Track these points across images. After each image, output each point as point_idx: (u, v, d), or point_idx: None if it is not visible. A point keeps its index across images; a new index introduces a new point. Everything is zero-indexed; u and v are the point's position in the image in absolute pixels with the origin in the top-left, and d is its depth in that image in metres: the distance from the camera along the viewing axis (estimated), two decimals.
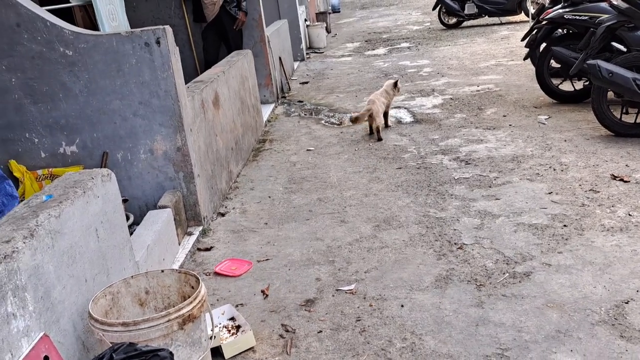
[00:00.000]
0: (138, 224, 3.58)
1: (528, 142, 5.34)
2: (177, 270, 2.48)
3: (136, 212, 3.86)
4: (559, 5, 6.49)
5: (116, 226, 2.71)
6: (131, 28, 4.74)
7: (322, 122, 7.07)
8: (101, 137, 3.85)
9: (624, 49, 5.79)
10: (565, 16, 6.23)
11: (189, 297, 2.24)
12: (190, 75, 5.78)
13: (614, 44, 5.90)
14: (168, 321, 2.14)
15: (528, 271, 3.18)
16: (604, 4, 5.62)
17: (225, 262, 3.60)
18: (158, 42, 3.70)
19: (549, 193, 4.18)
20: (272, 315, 3.01)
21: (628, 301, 2.81)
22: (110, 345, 2.11)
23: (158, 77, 3.75)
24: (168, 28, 3.75)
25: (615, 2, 5.14)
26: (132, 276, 2.48)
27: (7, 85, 3.73)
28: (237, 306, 3.11)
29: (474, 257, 3.40)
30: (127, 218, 3.70)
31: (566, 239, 3.49)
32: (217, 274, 3.50)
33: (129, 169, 3.89)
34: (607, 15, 5.50)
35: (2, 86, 3.73)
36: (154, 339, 2.13)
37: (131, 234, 3.39)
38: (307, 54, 12.61)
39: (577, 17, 6.13)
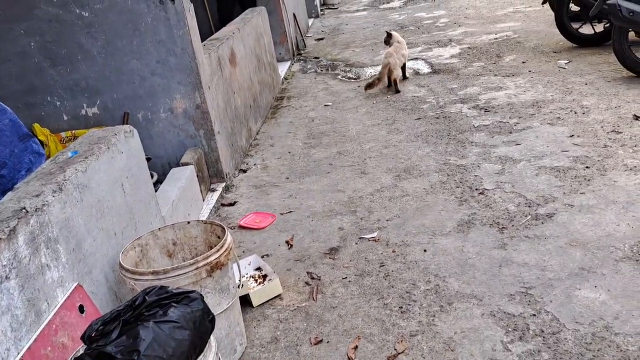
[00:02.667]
0: (162, 182, 3.64)
1: (548, 87, 5.26)
2: (203, 221, 2.53)
3: (159, 170, 3.91)
4: None
5: (141, 181, 2.76)
6: None
7: (339, 77, 7.02)
8: (121, 97, 3.88)
9: None
10: None
11: (216, 246, 2.29)
12: (205, 34, 5.74)
13: None
14: (196, 269, 2.19)
15: (550, 213, 3.18)
16: None
17: (250, 216, 3.66)
18: (172, 0, 3.68)
19: (571, 136, 4.14)
20: (298, 264, 3.07)
21: None
22: None
23: (174, 35, 3.75)
24: None
25: None
26: (159, 228, 2.54)
27: (26, 50, 3.76)
28: (263, 257, 3.18)
29: (496, 201, 3.41)
30: (151, 176, 3.77)
31: (588, 180, 3.47)
32: (241, 227, 3.56)
33: (150, 128, 3.93)
34: None
35: (21, 50, 3.77)
36: (184, 286, 2.19)
37: (156, 191, 3.46)
38: (321, 10, 12.44)
39: None
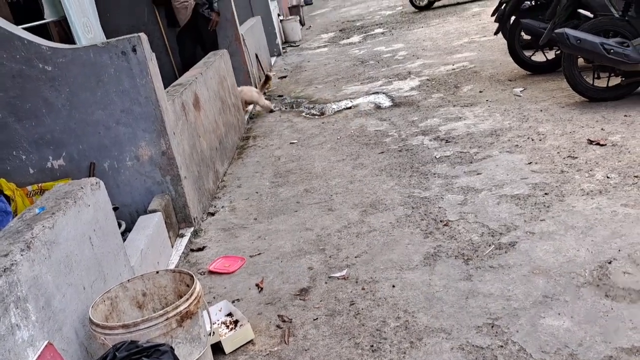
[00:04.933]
0: (130, 230, 3.64)
1: (505, 116, 5.45)
2: (171, 270, 2.55)
3: (127, 219, 3.91)
4: None
5: (109, 233, 2.77)
6: (107, 38, 4.78)
7: (303, 114, 7.13)
8: (87, 148, 3.89)
9: (591, 15, 5.90)
10: None
11: (185, 295, 2.31)
12: (169, 79, 5.82)
13: (580, 10, 6.00)
14: (166, 319, 2.21)
15: (513, 241, 3.28)
16: None
17: (219, 260, 3.67)
18: (134, 50, 3.74)
19: (529, 163, 4.28)
20: (268, 307, 3.09)
21: (611, 261, 2.92)
22: None
23: (137, 84, 3.80)
24: (143, 35, 3.79)
25: None
26: (128, 280, 2.55)
27: None
28: (233, 302, 3.19)
29: (460, 232, 3.50)
30: (119, 225, 3.76)
31: (548, 207, 3.60)
32: (211, 272, 3.57)
33: (116, 177, 3.94)
34: None
35: None
36: (155, 338, 2.20)
37: (124, 240, 3.46)
38: (283, 48, 12.65)
39: None
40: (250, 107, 7.55)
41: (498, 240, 3.32)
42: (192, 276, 2.43)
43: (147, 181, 3.96)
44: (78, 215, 2.51)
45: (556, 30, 5.26)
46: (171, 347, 1.76)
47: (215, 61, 5.84)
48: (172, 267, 3.60)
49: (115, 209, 3.79)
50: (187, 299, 2.28)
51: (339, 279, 3.25)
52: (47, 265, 2.22)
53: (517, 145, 4.66)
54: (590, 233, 3.20)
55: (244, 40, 7.86)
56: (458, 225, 3.59)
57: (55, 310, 2.23)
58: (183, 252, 3.81)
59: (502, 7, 6.86)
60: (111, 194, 3.92)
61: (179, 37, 7.43)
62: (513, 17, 6.73)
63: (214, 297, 3.28)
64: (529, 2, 7.02)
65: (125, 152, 3.89)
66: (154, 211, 3.72)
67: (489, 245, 3.29)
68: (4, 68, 3.68)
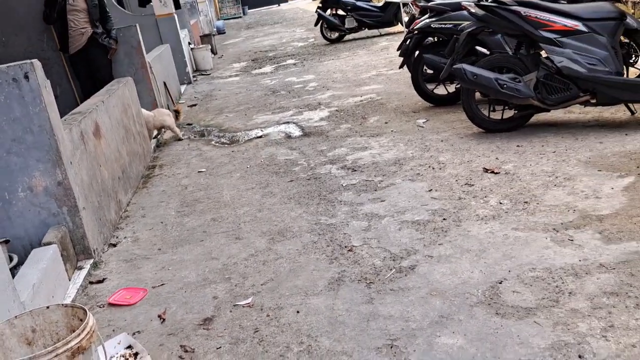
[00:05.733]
0: (22, 264, 3.45)
1: (409, 145, 5.66)
2: (62, 304, 2.43)
3: (20, 252, 3.70)
4: (427, 15, 6.96)
5: None
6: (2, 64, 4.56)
7: (213, 142, 7.09)
8: None
9: (487, 52, 6.31)
10: (432, 25, 6.69)
11: (77, 330, 2.21)
12: (71, 107, 5.61)
13: (478, 48, 6.41)
14: (56, 356, 2.10)
15: (413, 265, 3.40)
16: (465, 12, 6.09)
17: (119, 292, 3.54)
18: (27, 77, 3.60)
19: (429, 190, 4.46)
20: (171, 338, 3.01)
21: (501, 281, 3.08)
22: None
23: (30, 112, 3.64)
24: (36, 62, 3.66)
25: (473, 10, 5.59)
26: (15, 317, 2.40)
27: None
28: (134, 334, 3.08)
29: (363, 257, 3.58)
30: (11, 259, 3.56)
31: (445, 231, 3.76)
32: (111, 304, 3.44)
33: (8, 209, 3.73)
34: (468, 22, 5.97)
35: None
36: None
37: (15, 275, 3.27)
38: (194, 76, 12.56)
39: (443, 26, 6.60)
40: (162, 132, 7.44)
41: (399, 264, 3.43)
42: (85, 310, 2.33)
43: (42, 213, 3.77)
44: None
45: (455, 66, 5.58)
46: None
47: (118, 89, 5.71)
48: (69, 300, 3.43)
49: (6, 242, 3.61)
50: (79, 334, 2.19)
51: (244, 306, 3.22)
52: None
53: (418, 174, 4.86)
54: (484, 256, 3.37)
55: (150, 68, 7.75)
56: (362, 251, 3.67)
57: None
58: (81, 285, 3.64)
59: (407, 43, 7.19)
60: (2, 226, 3.73)
61: (73, 65, 7.19)
62: (417, 52, 7.07)
63: (113, 330, 3.15)
64: (431, 38, 7.41)
65: (17, 182, 3.70)
66: (49, 244, 3.54)
67: (390, 269, 3.38)
68: None
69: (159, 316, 3.24)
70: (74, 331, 2.40)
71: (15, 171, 3.69)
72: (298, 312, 3.08)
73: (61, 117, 4.49)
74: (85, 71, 7.18)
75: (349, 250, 3.69)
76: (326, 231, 4.03)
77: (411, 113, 6.92)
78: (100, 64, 7.19)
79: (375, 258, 3.54)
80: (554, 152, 4.85)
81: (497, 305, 2.87)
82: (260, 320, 3.05)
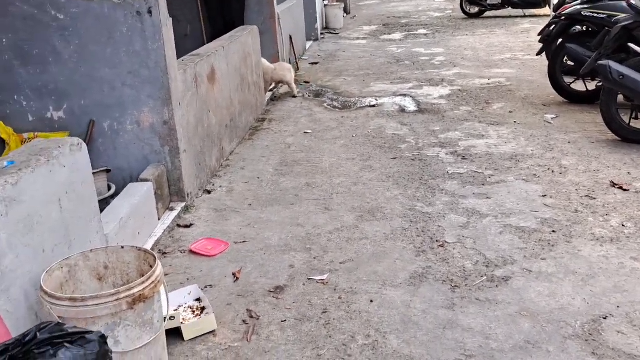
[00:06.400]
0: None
1: (530, 141, 5.20)
2: (136, 247, 2.42)
3: (120, 183, 3.80)
4: (578, 1, 6.29)
5: (84, 197, 2.65)
6: None
7: (325, 105, 6.96)
8: (89, 104, 3.78)
9: None
10: (582, 12, 6.03)
11: (142, 277, 2.18)
12: (199, 47, 5.67)
13: (631, 45, 5.70)
14: (117, 300, 2.08)
15: (507, 276, 3.09)
16: (623, 3, 5.41)
17: (202, 241, 3.54)
18: (150, 12, 3.61)
19: (543, 196, 4.06)
20: (239, 300, 2.95)
21: (606, 316, 2.71)
22: (58, 319, 2.07)
23: (149, 47, 3.66)
24: None
25: (633, 2, 4.94)
26: (91, 250, 2.42)
27: None
28: (206, 287, 3.06)
29: (454, 256, 3.31)
30: (109, 188, 3.66)
31: (552, 246, 3.39)
32: (192, 252, 3.45)
33: (115, 139, 3.82)
34: (624, 15, 5.30)
35: None
36: (102, 316, 2.08)
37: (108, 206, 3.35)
38: (322, 34, 12.44)
39: (595, 15, 5.93)
40: (279, 86, 7.42)
41: (492, 272, 3.13)
42: (155, 257, 2.30)
43: (145, 148, 3.83)
44: (49, 175, 2.39)
45: (600, 62, 5.01)
46: (102, 336, 1.63)
47: (242, 36, 5.69)
48: (154, 239, 3.48)
49: (107, 171, 3.70)
50: (143, 282, 2.15)
51: (318, 282, 3.09)
52: (2, 222, 2.10)
53: (535, 175, 4.43)
54: (591, 282, 2.99)
55: (279, 19, 7.69)
56: (454, 249, 3.40)
57: (4, 270, 2.12)
58: (169, 227, 3.68)
59: (551, 28, 6.56)
60: (107, 155, 3.84)
61: (206, 4, 7.26)
62: (560, 40, 6.44)
63: (187, 279, 3.15)
64: (579, 27, 6.71)
65: (127, 115, 3.77)
66: (145, 180, 3.60)
67: (481, 276, 3.10)
68: (16, 9, 3.58)
69: (234, 274, 3.19)
70: (143, 275, 2.39)
71: (127, 103, 3.76)
72: (372, 301, 2.90)
73: (183, 56, 4.55)
74: (217, 12, 7.24)
75: (440, 246, 3.44)
76: (420, 220, 3.79)
77: (540, 105, 6.36)
78: (233, 6, 7.22)
79: (467, 260, 3.26)
80: None
81: (596, 344, 2.53)
82: (331, 301, 2.91)
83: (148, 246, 3.35)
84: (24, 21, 3.61)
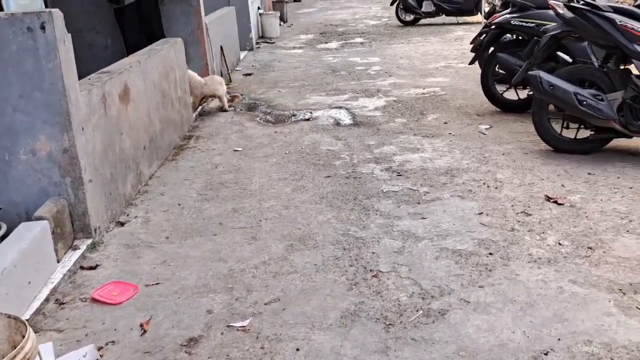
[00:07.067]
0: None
1: (465, 154, 5.05)
2: (5, 315, 2.04)
3: (14, 220, 3.37)
4: (508, 10, 6.23)
5: None
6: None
7: (257, 119, 6.64)
8: None
9: (570, 60, 5.56)
10: (512, 21, 5.98)
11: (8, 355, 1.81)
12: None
13: (560, 54, 5.66)
14: None
15: (444, 309, 2.86)
16: (551, 12, 5.36)
17: (108, 286, 3.15)
18: (43, 28, 3.21)
19: (479, 214, 3.88)
20: (145, 358, 2.59)
21: (547, 352, 2.51)
22: None
23: (43, 67, 3.27)
24: (56, 12, 3.26)
25: (560, 11, 4.86)
26: None
27: None
28: (107, 344, 2.67)
29: (388, 288, 3.06)
30: None
31: (490, 270, 3.19)
32: (94, 300, 3.05)
33: (7, 171, 3.39)
34: (553, 24, 5.23)
35: None
36: None
37: None
38: (257, 43, 12.13)
39: (524, 24, 5.88)
40: (209, 100, 7.13)
41: (428, 305, 2.89)
42: (26, 327, 1.93)
43: (42, 180, 3.42)
44: None
45: (530, 72, 4.91)
46: None
47: (162, 49, 5.31)
48: (50, 287, 3.06)
49: None
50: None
51: (238, 329, 2.77)
52: None
53: (470, 191, 4.26)
54: (530, 312, 2.80)
55: (207, 30, 7.33)
56: (388, 279, 3.15)
57: None
58: (70, 270, 3.27)
59: (482, 37, 6.47)
60: None
61: (118, 18, 6.81)
62: (491, 49, 6.36)
63: (86, 334, 2.75)
64: (509, 36, 6.67)
65: (19, 143, 3.34)
66: (40, 218, 3.18)
67: (417, 310, 2.86)
68: None
69: (141, 325, 2.82)
70: (14, 347, 2.01)
71: (20, 131, 3.34)
72: (298, 349, 2.60)
73: (100, 70, 4.15)
74: (135, 23, 6.79)
75: (373, 276, 3.18)
76: (353, 246, 3.52)
77: (474, 115, 6.26)
78: (153, 18, 6.80)
79: (402, 292, 3.02)
80: (631, 188, 4.16)
81: None
82: (253, 353, 2.59)
83: (42, 296, 2.94)
84: None
